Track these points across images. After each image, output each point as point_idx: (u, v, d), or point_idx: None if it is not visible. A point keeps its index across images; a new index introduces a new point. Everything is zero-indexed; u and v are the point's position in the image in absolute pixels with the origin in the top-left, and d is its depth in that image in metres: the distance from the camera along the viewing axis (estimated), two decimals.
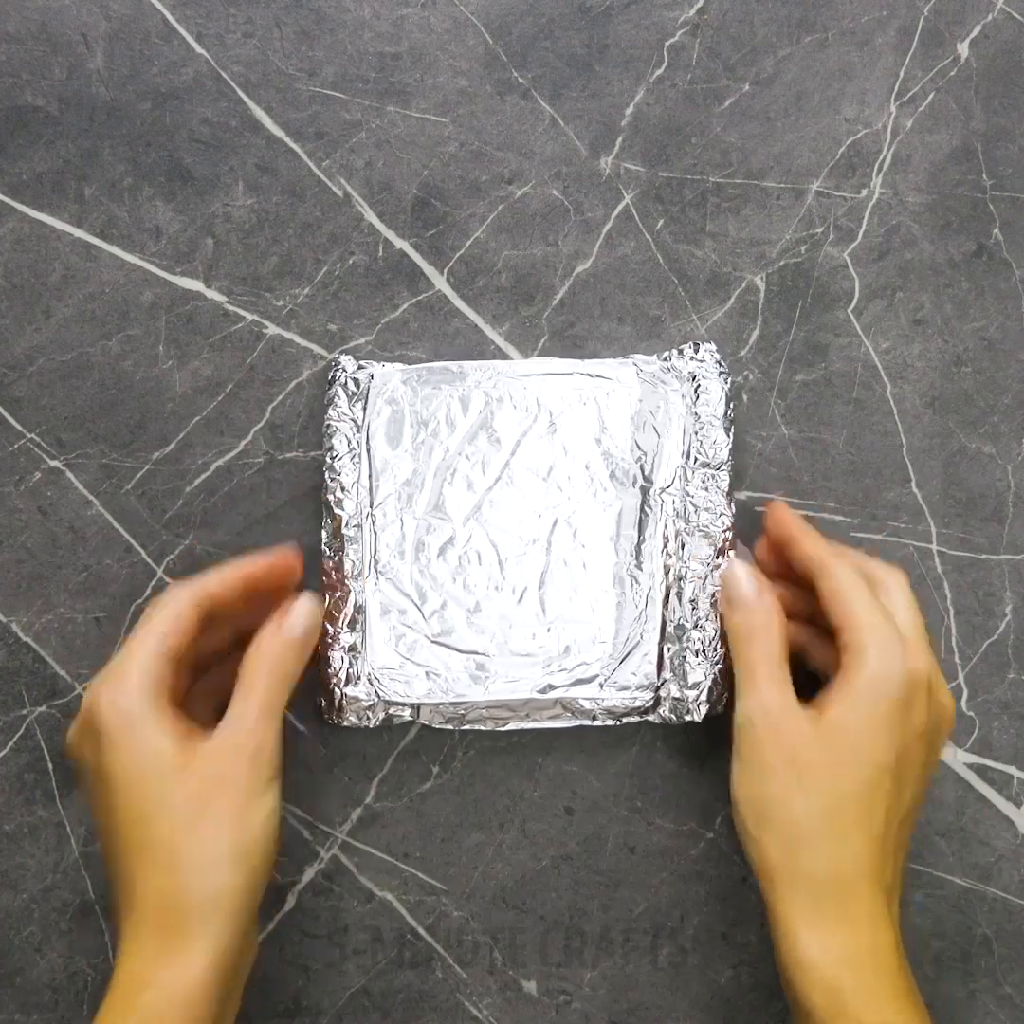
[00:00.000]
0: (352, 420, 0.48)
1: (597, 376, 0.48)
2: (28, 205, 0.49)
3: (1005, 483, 0.49)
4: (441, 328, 0.50)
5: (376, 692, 0.46)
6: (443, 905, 0.48)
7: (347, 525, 0.47)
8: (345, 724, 0.46)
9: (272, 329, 0.49)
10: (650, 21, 0.50)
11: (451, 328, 0.50)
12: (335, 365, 0.48)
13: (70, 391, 0.49)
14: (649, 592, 0.46)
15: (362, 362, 0.49)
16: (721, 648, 0.45)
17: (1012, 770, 0.48)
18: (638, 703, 0.46)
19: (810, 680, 0.43)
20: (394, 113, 0.50)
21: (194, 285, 0.50)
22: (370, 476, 0.47)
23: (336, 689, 0.46)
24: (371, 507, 0.47)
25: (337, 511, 0.47)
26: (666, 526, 0.46)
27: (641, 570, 0.46)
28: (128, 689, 0.39)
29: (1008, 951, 0.48)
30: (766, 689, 0.40)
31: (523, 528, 0.47)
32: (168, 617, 0.41)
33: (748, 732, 0.40)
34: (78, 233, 0.50)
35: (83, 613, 0.48)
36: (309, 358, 0.49)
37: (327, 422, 0.48)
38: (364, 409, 0.48)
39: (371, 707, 0.46)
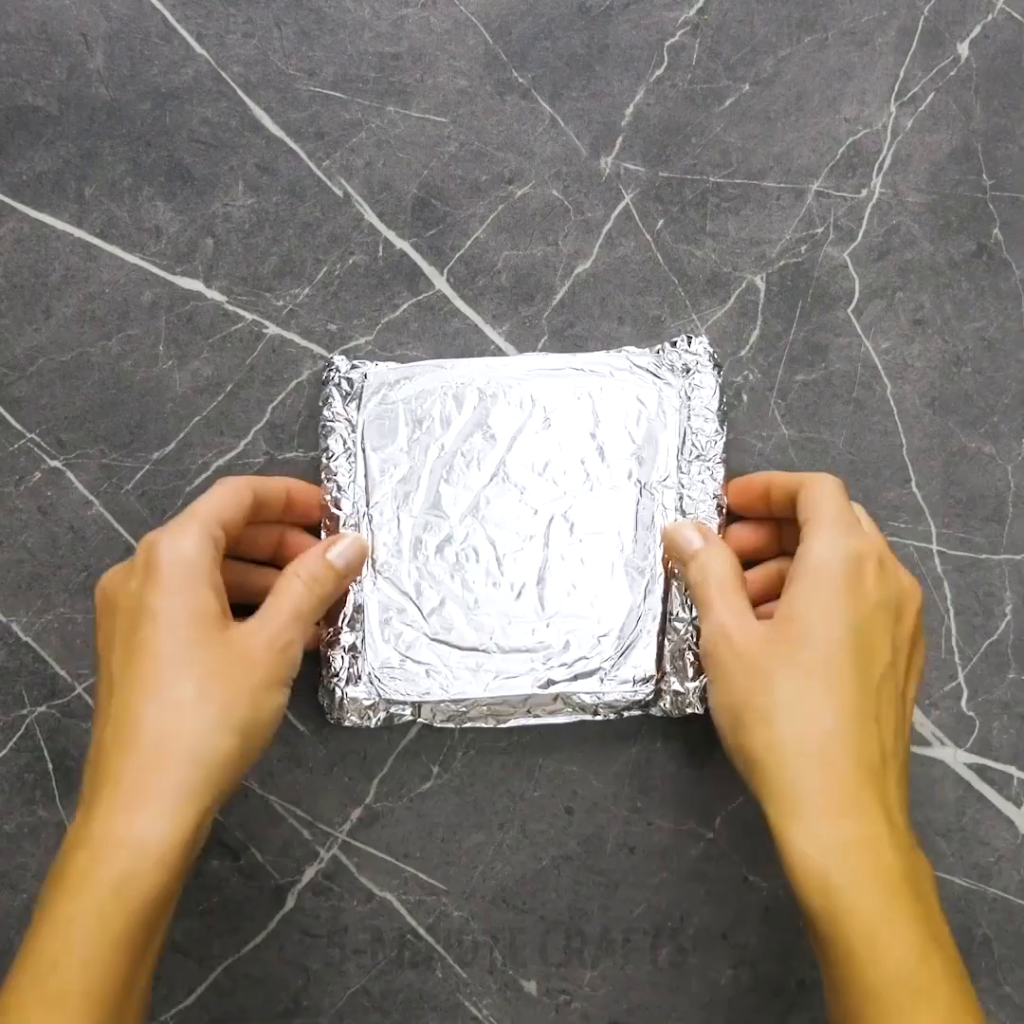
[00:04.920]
0: (347, 420, 0.48)
1: (590, 371, 0.48)
2: (28, 205, 0.49)
3: (1005, 483, 0.49)
4: (441, 328, 0.50)
5: (377, 691, 0.46)
6: (443, 905, 0.48)
7: (344, 525, 0.47)
8: (347, 724, 0.46)
9: (272, 329, 0.49)
10: (650, 21, 0.50)
11: (451, 328, 0.50)
12: (329, 366, 0.48)
13: (70, 391, 0.49)
14: (648, 585, 0.46)
15: (356, 361, 0.49)
16: None
17: (1012, 770, 0.48)
18: (639, 697, 0.46)
19: None
20: (394, 113, 0.50)
21: (194, 285, 0.50)
22: (365, 476, 0.47)
23: (337, 689, 0.46)
24: (367, 507, 0.47)
25: (334, 511, 0.47)
26: (663, 519, 0.46)
27: (640, 563, 0.46)
28: (190, 539, 0.40)
29: (1008, 951, 0.48)
30: (721, 612, 0.41)
31: (520, 524, 0.47)
32: (228, 492, 0.43)
33: (711, 655, 0.41)
34: (78, 233, 0.49)
35: (83, 613, 0.48)
36: (309, 358, 0.49)
37: (322, 423, 0.48)
38: (358, 409, 0.48)
39: (372, 706, 0.46)
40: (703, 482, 0.47)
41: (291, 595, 0.42)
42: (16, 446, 0.49)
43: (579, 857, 0.48)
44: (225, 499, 0.42)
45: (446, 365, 0.48)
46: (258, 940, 0.48)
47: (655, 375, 0.48)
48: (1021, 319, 0.50)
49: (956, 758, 0.48)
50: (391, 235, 0.50)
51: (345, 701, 0.46)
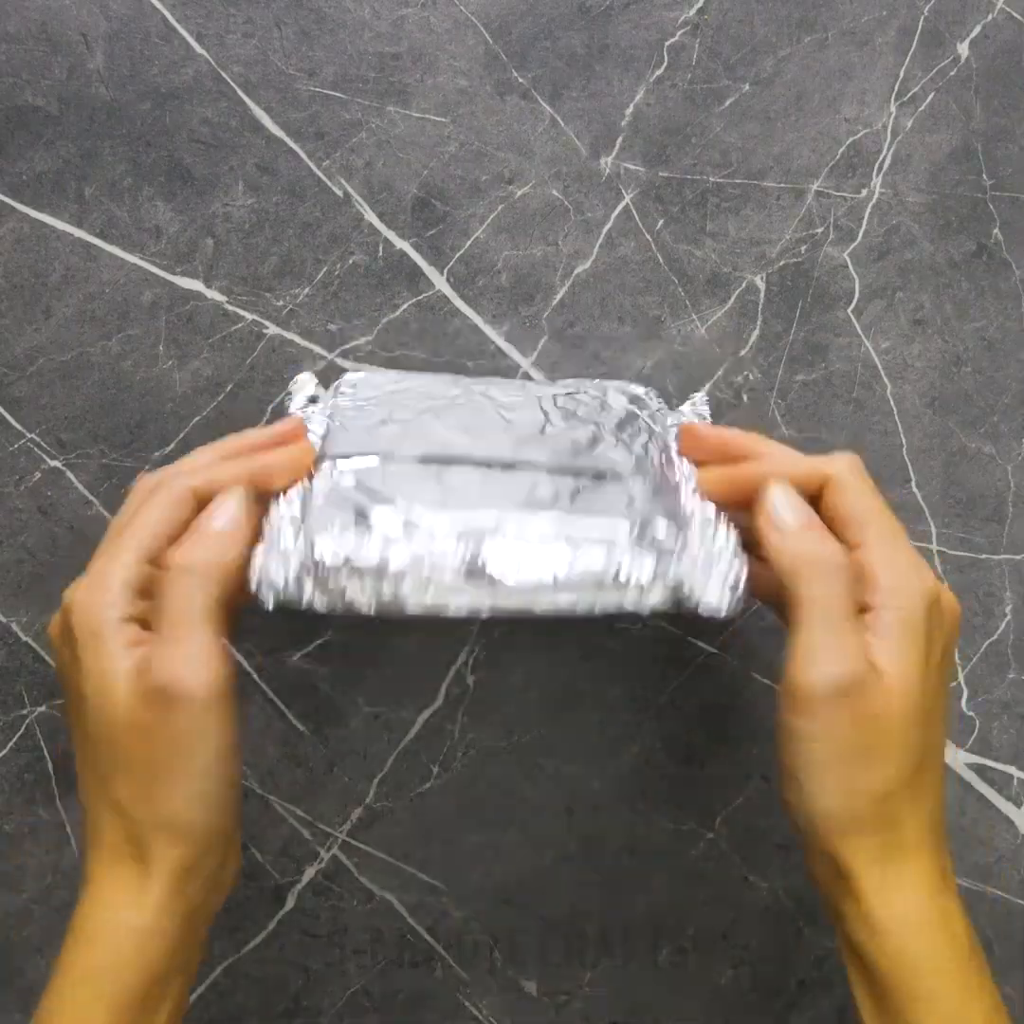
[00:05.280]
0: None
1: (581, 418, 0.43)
2: (28, 205, 0.49)
3: (1005, 483, 0.49)
4: (441, 328, 0.50)
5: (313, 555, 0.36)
6: (443, 905, 0.48)
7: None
8: (269, 603, 0.37)
9: (272, 329, 0.50)
10: (650, 21, 0.50)
11: (451, 328, 0.50)
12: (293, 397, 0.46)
13: (70, 391, 0.49)
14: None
15: (315, 392, 0.45)
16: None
17: (1012, 770, 0.48)
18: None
19: None
20: (394, 113, 0.50)
21: (194, 285, 0.50)
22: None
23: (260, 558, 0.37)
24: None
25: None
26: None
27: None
28: (101, 596, 0.35)
29: (1008, 951, 0.48)
30: (831, 658, 0.35)
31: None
32: (165, 512, 0.37)
33: (801, 679, 0.35)
34: (78, 233, 0.50)
35: None
36: (309, 358, 0.49)
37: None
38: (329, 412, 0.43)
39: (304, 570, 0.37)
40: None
41: (182, 595, 0.35)
42: (16, 446, 0.49)
43: (579, 857, 0.48)
44: (161, 525, 0.36)
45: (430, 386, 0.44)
46: (258, 940, 0.48)
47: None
48: (1021, 319, 0.50)
49: (956, 758, 0.48)
50: (391, 235, 0.50)
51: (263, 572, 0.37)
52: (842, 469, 0.39)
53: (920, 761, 0.36)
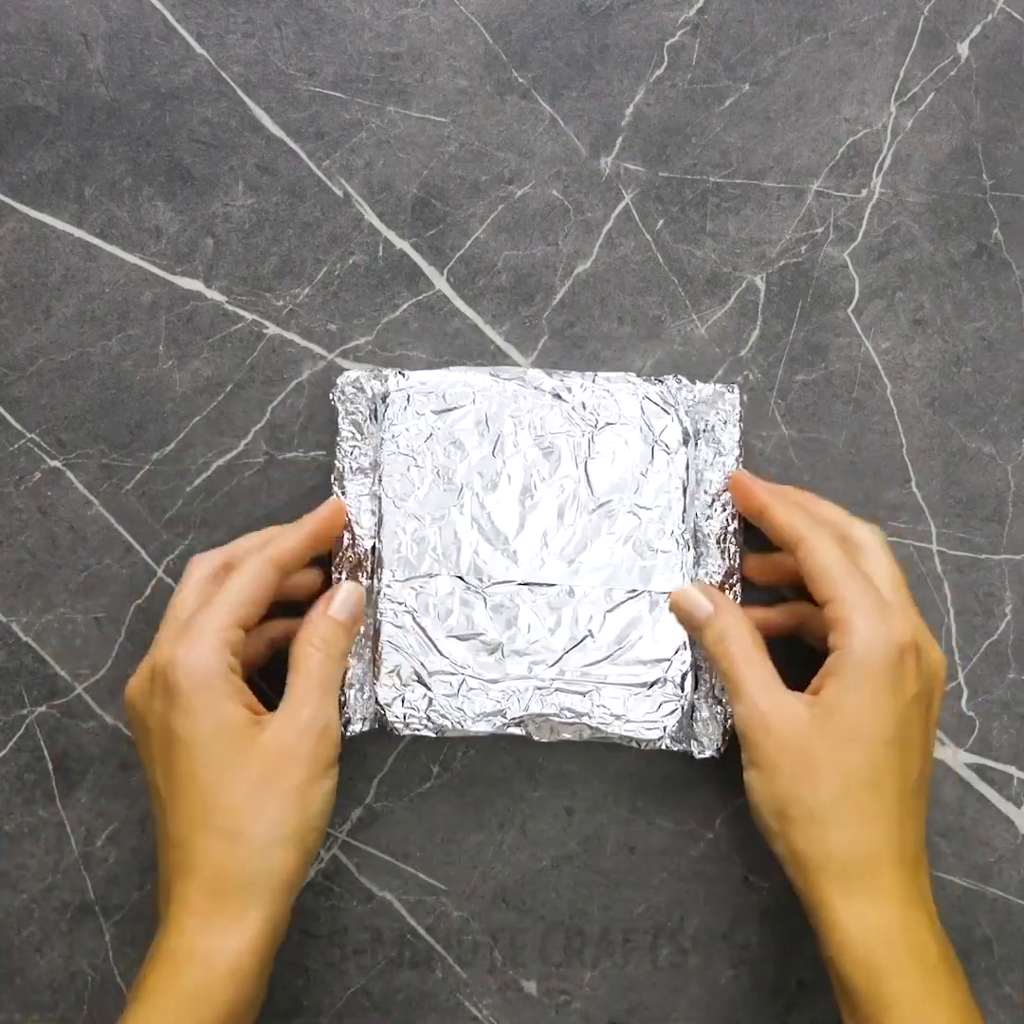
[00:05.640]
0: (367, 449, 0.47)
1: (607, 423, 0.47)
2: (28, 205, 0.49)
3: (1005, 483, 0.49)
4: (441, 328, 0.50)
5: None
6: (443, 905, 0.48)
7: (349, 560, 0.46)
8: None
9: (272, 329, 0.49)
10: (650, 21, 0.50)
11: (451, 328, 0.50)
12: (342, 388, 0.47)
13: (70, 391, 0.49)
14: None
15: (375, 377, 0.47)
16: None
17: (1012, 770, 0.48)
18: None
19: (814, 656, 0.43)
20: (394, 113, 0.50)
21: (194, 285, 0.50)
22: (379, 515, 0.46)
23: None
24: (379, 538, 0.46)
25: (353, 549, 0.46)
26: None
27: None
28: (206, 653, 0.39)
29: (1008, 951, 0.48)
30: (754, 693, 0.41)
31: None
32: (252, 582, 0.41)
33: (749, 738, 0.41)
34: (78, 233, 0.49)
35: (83, 613, 0.48)
36: (309, 358, 0.49)
37: (343, 447, 0.47)
38: (379, 441, 0.47)
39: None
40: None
41: (313, 670, 0.41)
42: (16, 446, 0.49)
43: (579, 857, 0.48)
44: (244, 594, 0.41)
45: (474, 386, 0.47)
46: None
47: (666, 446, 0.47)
48: (1021, 319, 0.50)
49: (956, 758, 0.48)
50: (391, 235, 0.50)
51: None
52: (870, 534, 0.44)
53: (873, 784, 0.39)
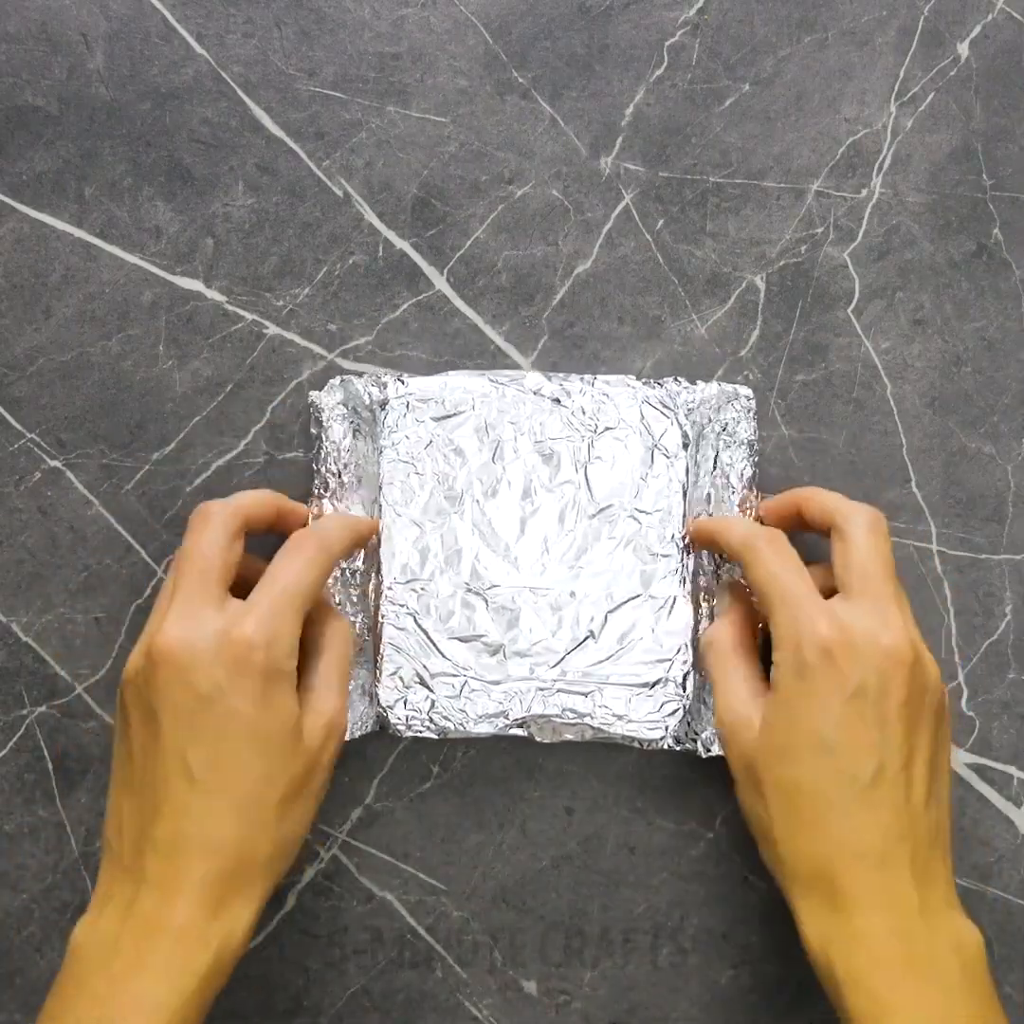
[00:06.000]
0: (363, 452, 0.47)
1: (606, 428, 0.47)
2: (28, 205, 0.49)
3: (1005, 483, 0.49)
4: (441, 328, 0.50)
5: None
6: (443, 905, 0.48)
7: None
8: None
9: (272, 329, 0.49)
10: (650, 21, 0.50)
11: (451, 328, 0.50)
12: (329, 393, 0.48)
13: (70, 391, 0.49)
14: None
15: (369, 386, 0.48)
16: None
17: (1012, 770, 0.48)
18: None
19: None
20: (394, 113, 0.50)
21: (194, 285, 0.50)
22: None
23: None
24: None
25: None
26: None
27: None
28: (288, 641, 0.39)
29: (1008, 951, 0.48)
30: (721, 706, 0.42)
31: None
32: (323, 575, 0.41)
33: (723, 745, 0.43)
34: (78, 233, 0.50)
35: (83, 613, 0.48)
36: (309, 358, 0.49)
37: (328, 451, 0.47)
38: (376, 447, 0.47)
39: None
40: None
41: (341, 658, 0.43)
42: (16, 446, 0.49)
43: (579, 857, 0.48)
44: (315, 588, 0.41)
45: (474, 392, 0.47)
46: (258, 940, 0.48)
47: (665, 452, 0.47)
48: (1021, 319, 0.50)
49: (956, 758, 0.48)
50: (391, 235, 0.50)
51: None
52: (855, 516, 0.42)
53: (814, 794, 0.39)
